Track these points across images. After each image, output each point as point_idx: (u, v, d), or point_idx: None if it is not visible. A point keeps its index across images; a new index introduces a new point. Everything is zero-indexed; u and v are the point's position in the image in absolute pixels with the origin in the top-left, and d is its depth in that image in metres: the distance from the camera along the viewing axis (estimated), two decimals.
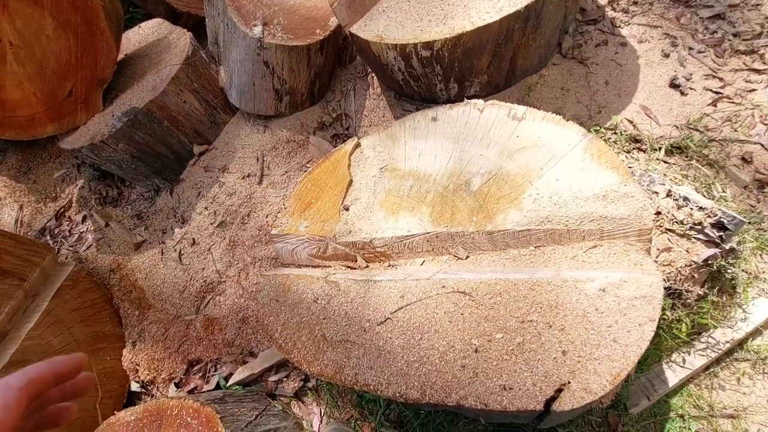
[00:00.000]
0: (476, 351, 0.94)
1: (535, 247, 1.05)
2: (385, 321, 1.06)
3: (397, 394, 0.96)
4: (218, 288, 1.71)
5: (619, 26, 1.83)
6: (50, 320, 1.51)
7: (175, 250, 1.76)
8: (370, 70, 1.93)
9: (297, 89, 1.74)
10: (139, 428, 1.26)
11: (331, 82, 1.94)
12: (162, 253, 1.78)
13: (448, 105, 1.31)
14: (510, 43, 1.42)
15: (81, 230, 1.96)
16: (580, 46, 1.80)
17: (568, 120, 1.16)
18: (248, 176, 1.75)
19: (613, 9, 1.87)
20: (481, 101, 1.27)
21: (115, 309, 1.77)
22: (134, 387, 1.68)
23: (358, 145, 1.38)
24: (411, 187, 1.23)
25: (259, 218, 1.69)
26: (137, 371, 1.67)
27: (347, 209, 1.28)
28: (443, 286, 1.05)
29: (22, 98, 1.51)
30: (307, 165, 1.77)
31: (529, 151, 1.14)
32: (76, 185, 2.04)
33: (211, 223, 1.73)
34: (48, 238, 2.00)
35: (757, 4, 1.73)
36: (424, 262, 1.18)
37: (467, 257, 1.12)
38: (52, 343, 1.49)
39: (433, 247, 1.16)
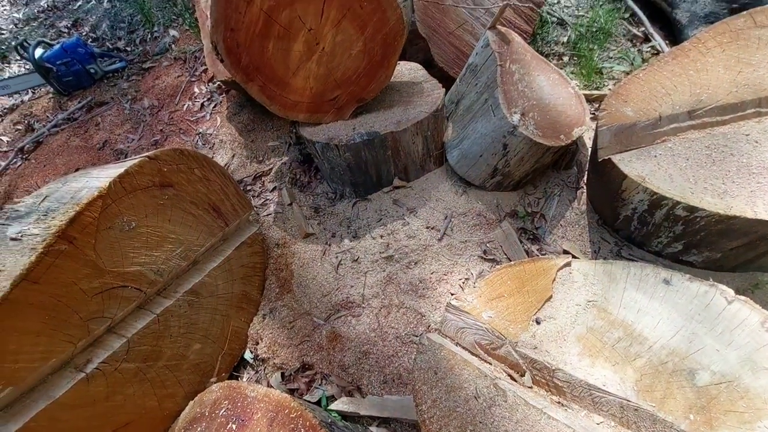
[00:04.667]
0: None
1: None
2: None
3: None
4: (356, 310, 1.77)
5: None
6: (226, 267, 1.69)
7: (336, 258, 1.88)
8: (581, 184, 1.91)
9: (512, 175, 1.79)
10: (255, 409, 1.32)
11: (538, 178, 1.96)
12: (324, 253, 1.92)
13: (686, 275, 1.22)
14: None
15: (268, 198, 2.21)
16: None
17: None
18: (432, 228, 1.82)
19: None
20: (731, 291, 1.16)
21: (264, 278, 1.94)
22: (247, 355, 1.80)
23: (568, 264, 1.35)
24: (619, 339, 1.15)
25: (425, 271, 1.73)
26: (258, 343, 1.78)
27: (538, 322, 1.25)
28: None
29: (300, 88, 1.78)
30: (487, 244, 1.78)
31: None
32: (281, 159, 2.32)
33: (380, 252, 1.82)
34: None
35: None
36: (602, 423, 1.08)
37: None
38: (218, 287, 1.66)
39: (623, 417, 1.06)
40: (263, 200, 2.20)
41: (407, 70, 2.10)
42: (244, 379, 1.75)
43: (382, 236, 1.85)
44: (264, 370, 1.74)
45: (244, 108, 2.57)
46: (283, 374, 1.70)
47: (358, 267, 1.83)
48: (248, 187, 2.27)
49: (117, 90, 3.06)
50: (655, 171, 1.34)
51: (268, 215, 2.13)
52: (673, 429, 0.99)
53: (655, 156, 1.37)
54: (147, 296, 1.42)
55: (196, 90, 2.82)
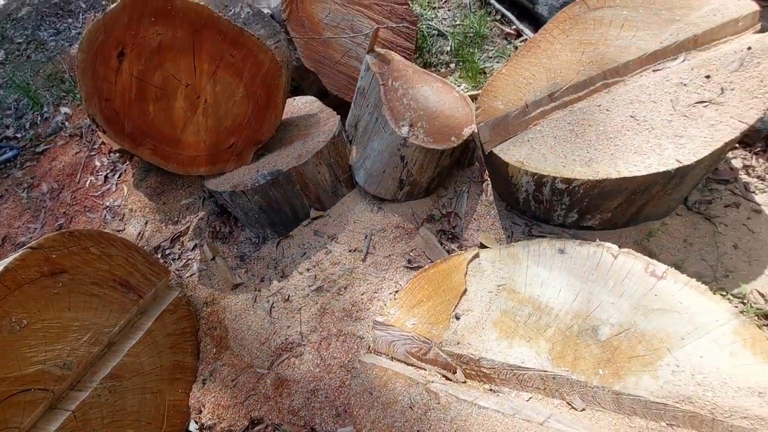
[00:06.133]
0: None
1: (668, 424, 0.97)
2: None
3: None
4: (297, 350, 1.73)
5: (754, 192, 1.79)
6: (148, 340, 1.60)
7: (268, 302, 1.84)
8: (485, 177, 2.02)
9: (418, 182, 1.86)
10: None
11: (447, 179, 2.05)
12: (255, 300, 1.87)
13: (577, 241, 1.32)
14: (647, 193, 1.43)
15: (189, 257, 2.13)
16: (709, 202, 1.77)
17: (690, 275, 1.12)
18: (354, 251, 1.83)
19: (748, 174, 1.84)
20: (615, 247, 1.27)
21: (197, 341, 1.85)
22: (192, 427, 1.69)
23: (476, 256, 1.41)
24: (529, 315, 1.22)
25: (355, 294, 1.74)
26: (201, 411, 1.68)
27: (458, 318, 1.29)
28: None
29: (194, 143, 1.76)
30: (411, 253, 1.83)
31: (668, 314, 1.09)
32: (197, 215, 2.26)
33: (309, 286, 1.80)
34: (159, 256, 2.20)
35: None
36: (530, 398, 1.13)
37: (583, 410, 1.06)
38: (143, 364, 1.57)
39: (546, 387, 1.11)
40: (185, 261, 2.12)
41: (302, 104, 2.15)
42: None
43: (308, 269, 1.85)
44: None
45: (150, 172, 2.49)
46: None
47: (291, 306, 1.80)
48: (167, 251, 2.18)
49: (11, 180, 2.86)
50: (530, 154, 1.46)
51: (191, 276, 2.05)
52: (587, 387, 1.05)
53: (529, 140, 1.49)
54: (57, 394, 1.31)
55: (98, 163, 2.70)
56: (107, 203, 2.47)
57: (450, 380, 1.24)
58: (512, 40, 2.71)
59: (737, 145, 1.91)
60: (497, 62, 2.58)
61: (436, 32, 2.78)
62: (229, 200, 1.86)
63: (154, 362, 1.61)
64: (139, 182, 2.49)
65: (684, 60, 1.47)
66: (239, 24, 1.51)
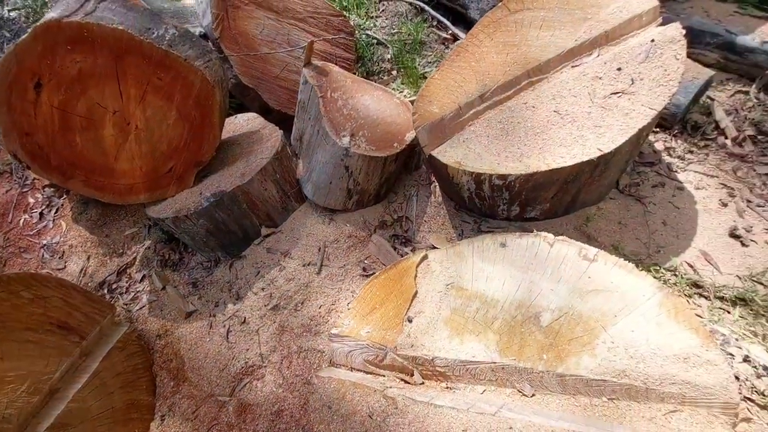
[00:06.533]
0: None
1: (609, 399, 1.02)
2: None
3: None
4: (258, 372, 1.69)
5: (676, 171, 1.93)
6: (96, 383, 1.52)
7: (224, 326, 1.79)
8: (433, 179, 2.07)
9: (367, 190, 1.88)
10: None
11: (396, 184, 2.08)
12: (210, 326, 1.82)
13: (517, 233, 1.38)
14: (577, 182, 1.51)
15: (138, 289, 2.04)
16: (638, 184, 1.90)
17: (625, 257, 1.19)
18: (309, 264, 1.82)
19: (669, 155, 1.98)
20: (551, 235, 1.33)
21: (152, 377, 1.77)
22: None
23: (425, 258, 1.44)
24: (477, 310, 1.25)
25: (312, 308, 1.72)
26: None
27: (410, 321, 1.31)
28: (511, 428, 1.01)
29: (129, 170, 1.70)
30: (365, 261, 1.84)
31: (601, 294, 1.16)
32: (143, 245, 2.17)
33: (265, 305, 1.77)
34: (105, 291, 2.09)
35: None
36: (485, 391, 1.16)
37: (533, 395, 1.10)
38: (91, 408, 1.48)
39: (497, 378, 1.15)
40: (133, 294, 2.03)
41: (244, 121, 2.12)
42: None
43: (263, 288, 1.81)
44: None
45: (90, 204, 2.36)
46: None
47: (248, 328, 1.76)
48: (113, 285, 2.08)
49: None
50: (467, 154, 1.51)
51: (141, 308, 1.96)
52: (534, 373, 1.10)
53: (464, 141, 1.55)
54: None
55: (31, 200, 2.53)
56: (44, 241, 2.32)
57: (409, 383, 1.25)
58: (449, 45, 2.80)
59: (658, 128, 2.06)
60: (436, 67, 2.65)
61: (376, 41, 2.83)
62: (174, 226, 1.80)
63: (105, 405, 1.52)
64: (79, 216, 2.36)
65: (598, 55, 1.58)
66: (164, 46, 1.48)
